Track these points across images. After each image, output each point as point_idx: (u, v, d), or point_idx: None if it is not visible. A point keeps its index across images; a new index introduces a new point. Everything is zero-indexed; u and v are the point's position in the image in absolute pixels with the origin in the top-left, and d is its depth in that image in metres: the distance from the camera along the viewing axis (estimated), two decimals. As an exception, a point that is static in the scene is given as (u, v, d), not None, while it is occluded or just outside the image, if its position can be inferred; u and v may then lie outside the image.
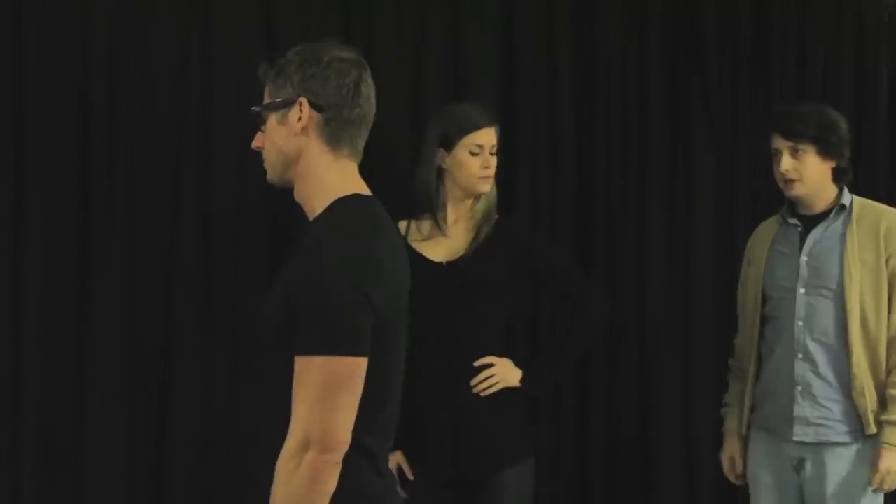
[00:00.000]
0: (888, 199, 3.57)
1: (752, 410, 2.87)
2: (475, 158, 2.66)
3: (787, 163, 2.74)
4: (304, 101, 1.79)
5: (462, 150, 2.66)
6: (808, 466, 2.73)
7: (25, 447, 2.80)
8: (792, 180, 2.75)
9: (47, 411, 2.83)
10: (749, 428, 2.87)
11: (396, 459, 2.65)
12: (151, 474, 2.83)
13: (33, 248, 2.82)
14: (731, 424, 2.91)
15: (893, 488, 2.67)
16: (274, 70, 1.84)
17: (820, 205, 2.79)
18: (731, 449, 2.91)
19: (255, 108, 1.86)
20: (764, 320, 2.85)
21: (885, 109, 3.72)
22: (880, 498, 2.72)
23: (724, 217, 3.52)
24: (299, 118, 1.79)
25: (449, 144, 2.67)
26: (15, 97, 2.83)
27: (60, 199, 2.84)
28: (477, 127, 2.66)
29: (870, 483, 2.66)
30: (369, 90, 1.84)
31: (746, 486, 2.92)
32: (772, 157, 2.80)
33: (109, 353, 2.77)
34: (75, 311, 2.78)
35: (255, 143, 1.89)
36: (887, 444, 2.64)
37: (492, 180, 2.70)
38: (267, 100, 1.85)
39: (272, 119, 1.83)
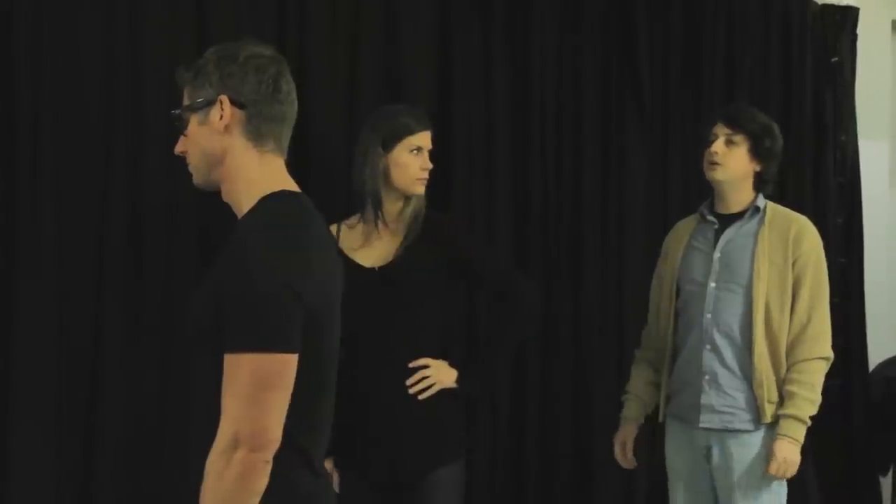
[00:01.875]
0: (814, 195, 3.67)
1: (667, 400, 2.98)
2: (415, 159, 2.68)
3: (718, 146, 2.88)
4: (224, 98, 1.77)
5: (402, 151, 2.67)
6: (716, 454, 2.84)
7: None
8: (716, 163, 2.88)
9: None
10: (665, 418, 2.99)
11: (327, 465, 2.63)
12: (79, 474, 2.77)
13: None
14: (630, 413, 3.05)
15: (789, 476, 2.78)
16: (191, 72, 1.83)
17: (736, 205, 2.92)
18: (624, 434, 3.04)
19: (175, 111, 1.84)
20: (677, 313, 2.97)
21: (811, 109, 3.84)
22: (783, 486, 2.82)
23: (656, 215, 3.58)
24: (221, 116, 1.77)
25: (388, 145, 2.68)
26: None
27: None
28: (418, 129, 2.69)
29: (767, 470, 2.75)
30: (289, 87, 1.84)
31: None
32: (709, 143, 2.91)
33: (36, 353, 2.71)
34: (1, 311, 2.72)
35: (177, 149, 1.87)
36: (783, 434, 2.75)
37: (426, 182, 2.71)
38: (187, 102, 1.83)
39: (193, 121, 1.81)
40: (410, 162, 2.67)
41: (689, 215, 3.09)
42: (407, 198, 2.71)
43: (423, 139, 2.71)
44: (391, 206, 2.71)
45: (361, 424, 2.60)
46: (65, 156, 2.78)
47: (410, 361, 2.63)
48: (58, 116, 2.77)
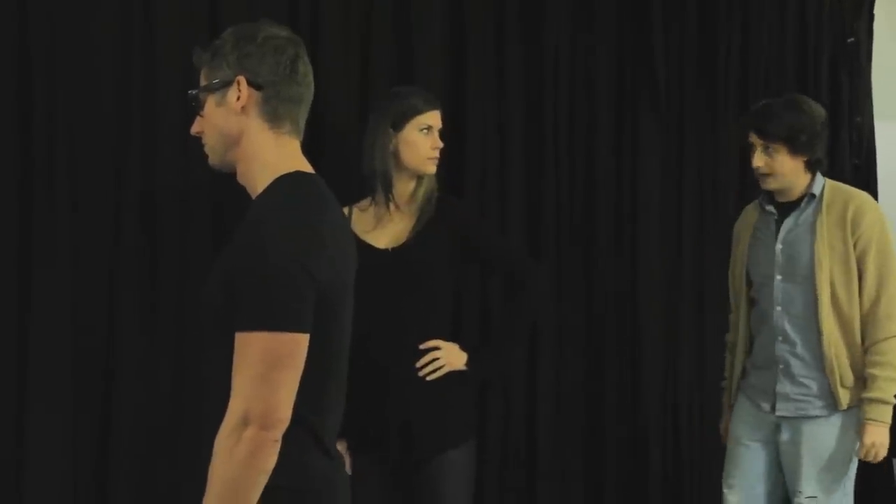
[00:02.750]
0: (829, 177, 3.66)
1: (742, 377, 3.02)
2: (425, 138, 2.68)
3: (759, 159, 2.89)
4: (241, 79, 1.77)
5: (412, 130, 2.67)
6: (786, 437, 2.89)
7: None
8: (766, 175, 2.90)
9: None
10: (736, 392, 3.03)
11: (339, 447, 2.63)
12: (95, 465, 2.79)
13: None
14: (725, 399, 3.09)
15: (880, 459, 2.82)
16: (209, 53, 1.82)
17: (794, 193, 2.93)
18: (726, 421, 3.09)
19: (192, 91, 1.84)
20: (752, 302, 3.01)
21: (826, 91, 3.81)
22: (854, 465, 2.86)
23: (671, 204, 3.57)
24: (238, 97, 1.77)
25: (398, 125, 2.68)
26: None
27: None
28: (427, 108, 2.69)
29: (856, 455, 2.82)
30: (306, 68, 1.83)
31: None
32: (748, 149, 2.94)
33: (51, 344, 2.73)
34: (17, 299, 2.74)
35: (194, 129, 1.87)
36: (870, 419, 2.78)
37: (437, 161, 2.71)
38: (204, 83, 1.82)
39: (210, 102, 1.81)
40: (420, 141, 2.67)
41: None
42: (419, 179, 2.71)
43: (433, 118, 2.71)
44: (403, 187, 2.71)
45: (374, 404, 2.61)
46: (79, 141, 2.81)
47: (421, 342, 2.64)
48: (72, 106, 2.79)
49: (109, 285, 2.82)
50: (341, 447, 2.62)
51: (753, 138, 2.90)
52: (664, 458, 3.45)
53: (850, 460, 2.85)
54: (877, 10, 3.96)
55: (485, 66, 3.32)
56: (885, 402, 2.78)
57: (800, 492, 2.82)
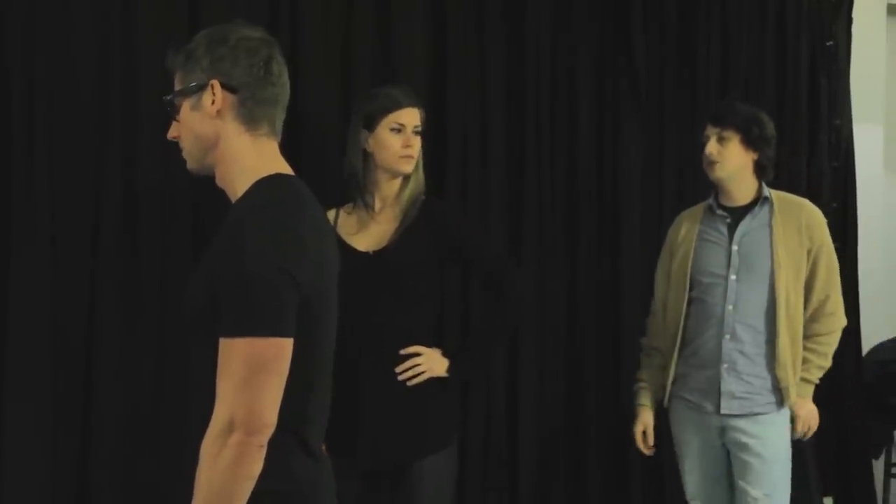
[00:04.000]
0: (808, 180, 3.67)
1: (673, 383, 3.04)
2: (397, 137, 2.63)
3: (711, 146, 2.98)
4: (215, 83, 1.76)
5: (383, 130, 2.64)
6: (731, 435, 2.94)
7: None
8: (713, 162, 2.97)
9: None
10: (671, 398, 3.06)
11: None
12: (75, 460, 2.77)
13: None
14: (646, 400, 3.10)
15: (815, 429, 2.99)
16: (182, 56, 1.81)
17: (742, 197, 3.01)
18: (644, 422, 3.09)
19: (167, 97, 1.82)
20: (689, 302, 3.02)
21: (805, 94, 3.84)
22: (789, 465, 2.95)
23: (652, 203, 3.58)
24: (213, 101, 1.76)
25: (371, 125, 2.65)
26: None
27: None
28: (398, 106, 2.64)
29: (794, 434, 2.95)
30: (281, 68, 1.82)
31: (672, 457, 3.12)
32: (703, 145, 3.00)
33: (31, 340, 2.71)
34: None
35: (170, 134, 1.85)
36: (801, 395, 2.94)
37: (414, 161, 2.66)
38: (178, 87, 1.81)
39: (185, 106, 1.80)
40: (391, 140, 2.63)
41: (689, 207, 3.15)
42: (404, 180, 2.68)
43: (405, 116, 2.65)
44: (387, 189, 2.68)
45: (350, 409, 2.56)
46: (59, 142, 2.78)
47: (402, 347, 2.60)
48: (52, 102, 2.77)
49: (90, 285, 2.80)
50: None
51: (709, 129, 2.98)
52: (645, 456, 3.46)
53: (790, 453, 2.97)
54: (855, 13, 3.99)
55: (466, 66, 3.31)
56: (812, 383, 2.97)
57: (752, 490, 2.88)
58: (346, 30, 3.15)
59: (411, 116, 2.67)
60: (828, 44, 3.90)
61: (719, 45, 3.68)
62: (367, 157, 2.68)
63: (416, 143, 2.66)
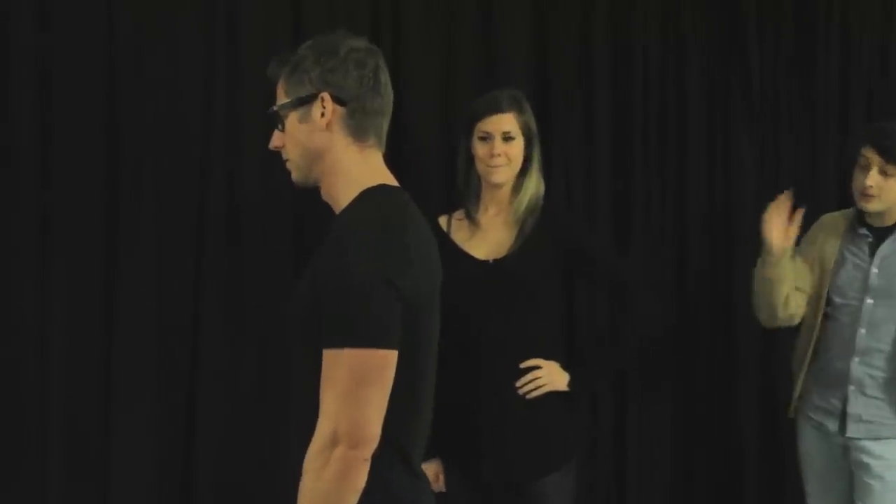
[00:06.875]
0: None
1: (799, 398, 2.97)
2: (484, 146, 2.60)
3: (874, 178, 2.78)
4: (326, 95, 1.74)
5: (475, 140, 2.62)
6: (856, 455, 2.84)
7: (51, 446, 2.78)
8: (871, 195, 2.80)
9: (73, 408, 2.81)
10: (797, 413, 2.99)
11: (434, 469, 2.57)
12: (179, 471, 2.83)
13: (59, 245, 2.80)
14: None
15: None
16: (288, 67, 1.79)
17: (889, 219, 2.86)
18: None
19: (272, 108, 1.80)
20: (823, 317, 2.91)
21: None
22: None
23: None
24: (322, 113, 1.74)
25: (468, 133, 2.63)
26: (44, 87, 2.80)
27: (86, 195, 2.83)
28: (485, 114, 2.59)
29: None
30: (386, 78, 1.80)
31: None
32: (855, 162, 2.83)
33: (136, 350, 2.77)
34: (102, 309, 2.78)
35: (273, 144, 1.84)
36: None
37: (501, 169, 2.59)
38: (282, 98, 1.79)
39: (292, 117, 1.78)
40: (480, 149, 2.60)
41: (830, 213, 3.01)
42: (515, 187, 2.63)
43: (492, 124, 2.59)
44: (489, 195, 2.64)
45: (471, 422, 2.53)
46: (164, 156, 2.85)
47: (521, 358, 2.55)
48: (157, 115, 2.83)
49: (194, 294, 2.84)
50: (435, 464, 2.57)
51: (871, 154, 2.78)
52: (759, 467, 3.32)
53: None
54: None
55: (571, 69, 3.24)
56: None
57: None
58: (447, 40, 3.13)
59: (498, 123, 2.59)
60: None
61: (839, 46, 3.47)
62: (469, 164, 2.65)
63: (507, 149, 2.59)
